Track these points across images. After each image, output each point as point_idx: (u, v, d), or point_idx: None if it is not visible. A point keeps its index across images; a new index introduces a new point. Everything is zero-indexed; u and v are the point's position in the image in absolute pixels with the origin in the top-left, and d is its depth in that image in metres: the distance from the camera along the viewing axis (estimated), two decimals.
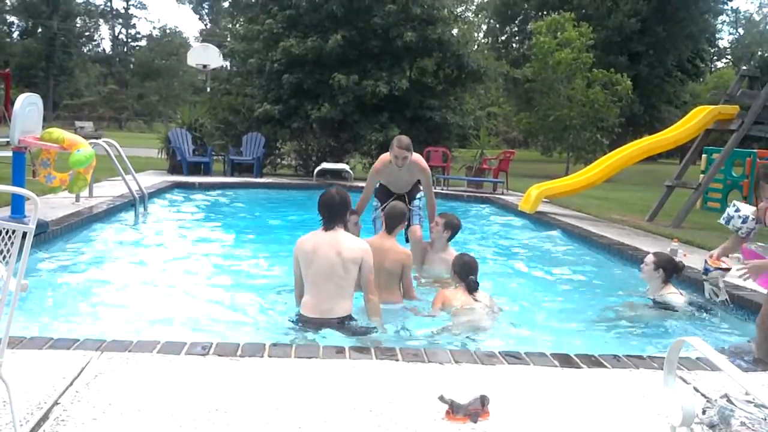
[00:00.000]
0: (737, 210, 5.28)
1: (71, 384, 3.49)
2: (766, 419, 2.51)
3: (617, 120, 27.79)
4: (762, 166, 4.75)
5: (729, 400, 2.65)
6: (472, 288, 5.59)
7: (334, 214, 5.11)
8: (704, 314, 6.29)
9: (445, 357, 4.22)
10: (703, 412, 2.67)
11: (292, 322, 5.17)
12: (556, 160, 34.35)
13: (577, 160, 27.67)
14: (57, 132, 8.53)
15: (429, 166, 18.51)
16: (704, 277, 5.71)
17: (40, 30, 69.98)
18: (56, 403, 3.26)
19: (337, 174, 18.36)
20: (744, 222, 5.08)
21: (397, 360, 4.13)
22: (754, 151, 16.79)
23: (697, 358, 4.34)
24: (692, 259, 8.25)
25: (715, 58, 71.32)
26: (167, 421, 3.12)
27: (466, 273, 5.68)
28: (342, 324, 5.03)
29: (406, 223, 6.35)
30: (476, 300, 5.55)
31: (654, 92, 40.38)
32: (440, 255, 6.93)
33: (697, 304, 6.42)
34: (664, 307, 6.28)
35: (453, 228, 6.94)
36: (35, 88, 42.92)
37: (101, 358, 3.88)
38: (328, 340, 4.79)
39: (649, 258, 6.52)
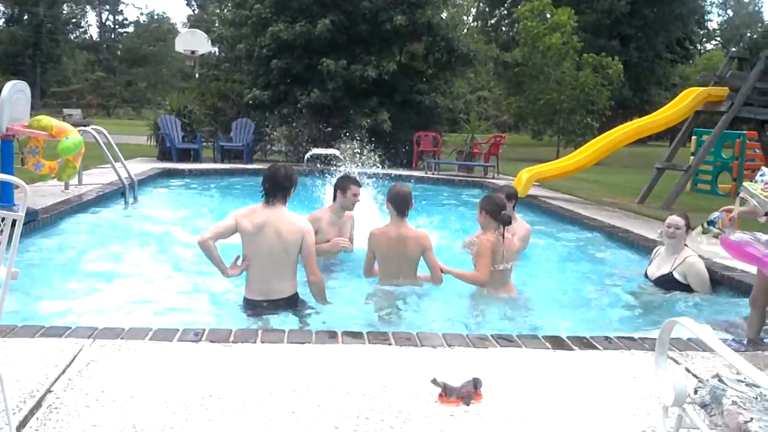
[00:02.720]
0: (762, 174, 5.11)
1: (64, 372, 3.49)
2: (757, 398, 2.52)
3: (607, 103, 27.79)
4: None
5: (720, 380, 2.65)
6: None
7: (275, 187, 5.07)
8: (699, 296, 6.34)
9: (438, 341, 4.23)
10: (695, 392, 2.68)
11: (240, 306, 5.20)
12: (546, 143, 34.34)
13: (568, 143, 27.68)
14: (45, 119, 8.48)
15: (419, 150, 18.39)
16: (706, 225, 5.56)
17: (26, 17, 69.24)
18: (49, 390, 3.26)
19: (328, 159, 18.29)
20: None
21: (390, 344, 4.14)
22: (744, 132, 16.83)
23: (689, 339, 4.36)
24: None
25: (704, 39, 71.27)
26: (160, 408, 3.12)
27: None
28: (287, 303, 5.12)
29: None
30: None
31: (643, 75, 40.33)
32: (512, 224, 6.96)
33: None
34: (686, 280, 6.29)
35: (513, 197, 7.07)
36: (22, 76, 42.63)
37: (93, 345, 3.87)
38: (276, 321, 4.92)
39: (674, 221, 6.43)
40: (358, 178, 6.69)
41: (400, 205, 5.58)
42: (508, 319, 5.36)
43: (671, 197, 12.42)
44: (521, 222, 7.33)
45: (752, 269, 5.21)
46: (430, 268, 5.64)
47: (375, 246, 5.62)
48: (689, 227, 6.33)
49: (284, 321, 4.99)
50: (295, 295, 5.23)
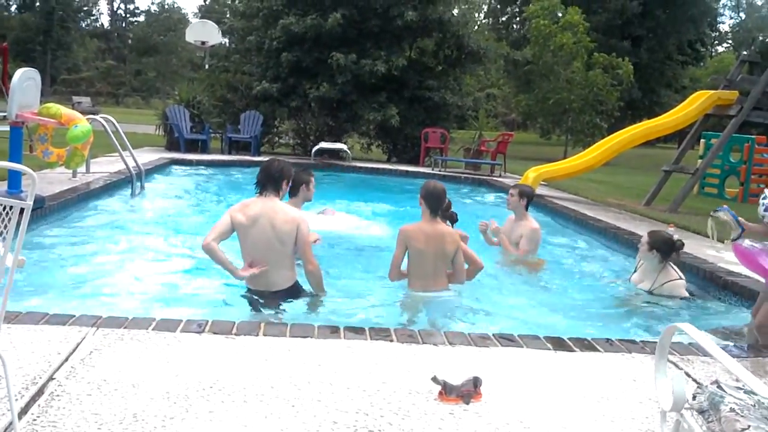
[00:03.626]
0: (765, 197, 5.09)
1: (66, 359, 3.51)
2: (755, 405, 2.52)
3: (616, 104, 27.74)
4: None
5: (719, 386, 2.66)
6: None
7: (268, 179, 5.15)
8: (698, 300, 6.33)
9: (440, 338, 4.24)
10: (694, 398, 2.69)
11: (242, 296, 5.25)
12: (554, 143, 34.33)
13: (576, 143, 27.65)
14: (55, 107, 8.51)
15: (426, 147, 18.37)
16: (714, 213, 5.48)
17: (38, 4, 69.51)
18: (51, 378, 3.28)
19: (335, 153, 18.32)
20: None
21: (392, 341, 4.15)
22: (753, 137, 16.80)
23: (690, 344, 4.36)
24: (688, 245, 8.27)
25: (716, 42, 71.12)
26: (162, 398, 3.14)
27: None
28: (287, 294, 5.16)
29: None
30: None
31: (654, 76, 40.26)
32: (520, 224, 7.31)
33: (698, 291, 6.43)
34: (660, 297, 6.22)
35: (528, 195, 7.37)
36: (33, 63, 42.77)
37: (97, 334, 3.90)
38: (275, 311, 5.02)
39: (644, 238, 6.41)
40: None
41: (433, 202, 5.45)
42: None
43: (678, 200, 12.39)
44: (528, 221, 7.33)
45: (757, 275, 5.21)
46: (459, 266, 5.55)
47: (410, 242, 5.40)
48: (658, 249, 6.23)
49: (286, 312, 5.04)
50: (296, 285, 5.28)
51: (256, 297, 5.18)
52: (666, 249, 6.27)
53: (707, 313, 6.09)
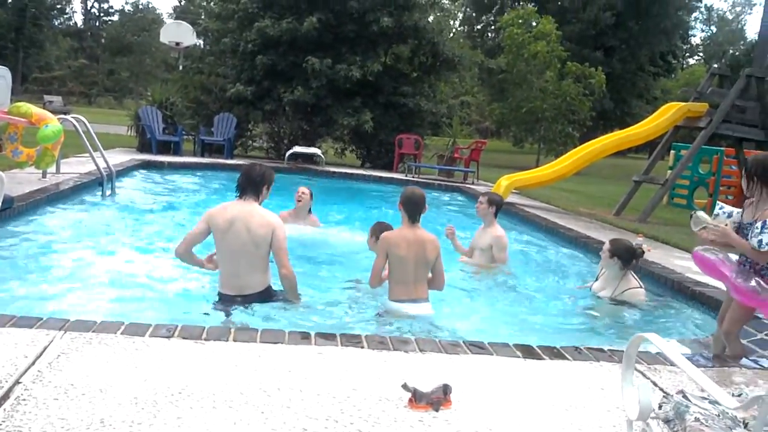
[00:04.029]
0: (721, 208, 5.16)
1: (33, 363, 3.47)
2: (719, 415, 2.57)
3: (589, 113, 28.02)
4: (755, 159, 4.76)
5: (685, 396, 2.71)
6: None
7: (249, 183, 5.21)
8: (665, 309, 6.41)
9: (410, 345, 4.25)
10: (660, 407, 2.73)
11: (213, 302, 5.27)
12: (527, 151, 34.56)
13: (548, 152, 27.88)
14: (25, 106, 8.43)
15: (400, 153, 18.46)
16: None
17: (9, 1, 68.62)
18: (17, 382, 3.24)
19: (309, 158, 18.30)
20: (729, 216, 5.01)
21: (363, 347, 4.15)
22: (722, 149, 17.04)
23: (657, 353, 4.41)
24: (656, 254, 8.38)
25: (687, 54, 72.05)
26: (129, 403, 3.11)
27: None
28: (259, 297, 5.17)
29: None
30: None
31: (625, 87, 40.75)
32: (488, 231, 7.42)
33: (659, 299, 6.51)
34: (621, 303, 6.32)
35: (497, 204, 7.47)
36: (4, 61, 42.08)
37: (64, 337, 3.85)
38: (245, 316, 5.00)
39: (605, 245, 6.54)
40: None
41: (412, 209, 5.44)
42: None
43: (647, 210, 12.54)
44: (494, 228, 7.43)
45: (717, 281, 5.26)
46: (437, 273, 5.53)
47: (390, 248, 5.35)
48: (619, 257, 6.35)
49: (256, 316, 5.04)
50: (268, 289, 5.28)
51: (227, 301, 5.16)
52: (627, 256, 6.39)
53: (674, 322, 6.16)
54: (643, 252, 6.56)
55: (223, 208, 5.23)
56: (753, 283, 4.47)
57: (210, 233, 5.17)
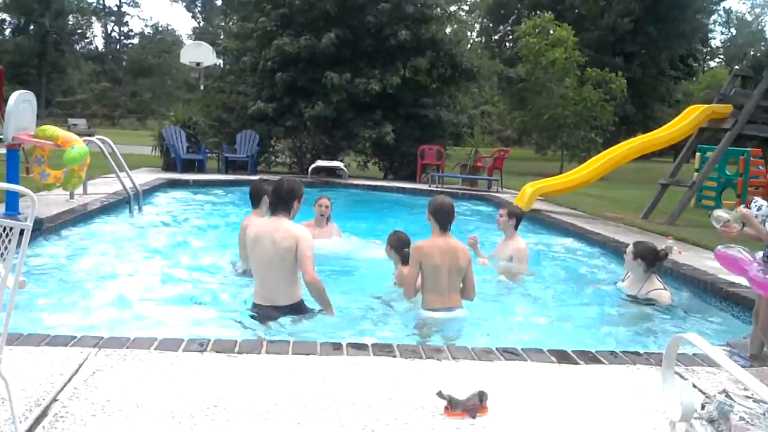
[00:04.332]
0: (755, 202, 5.14)
1: (69, 380, 3.49)
2: (765, 414, 2.52)
3: (611, 119, 27.86)
4: None
5: (728, 396, 2.66)
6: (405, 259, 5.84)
7: (279, 200, 5.30)
8: (698, 311, 6.33)
9: (443, 354, 4.23)
10: (702, 408, 2.68)
11: (249, 311, 5.36)
12: (550, 158, 34.39)
13: (572, 158, 27.72)
14: (51, 129, 8.53)
15: (423, 164, 18.53)
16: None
17: (32, 27, 69.70)
18: (55, 399, 3.26)
19: (332, 171, 18.34)
20: (759, 209, 4.99)
21: (395, 356, 4.13)
22: (748, 149, 16.85)
23: (695, 355, 4.35)
24: (687, 256, 8.29)
25: (707, 57, 71.58)
26: (166, 418, 3.11)
27: (401, 246, 6.07)
28: (291, 310, 5.23)
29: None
30: None
31: (647, 91, 40.54)
32: (509, 243, 7.43)
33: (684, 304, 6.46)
34: (647, 304, 6.30)
35: (516, 216, 7.47)
36: (28, 86, 42.72)
37: (99, 354, 3.88)
38: (279, 328, 5.07)
39: (629, 248, 6.57)
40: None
41: (442, 218, 5.45)
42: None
43: (676, 213, 12.41)
44: (516, 240, 7.44)
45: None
46: (468, 281, 5.54)
47: (424, 258, 5.34)
48: (642, 258, 6.38)
49: (287, 327, 5.07)
50: (300, 303, 5.32)
51: (260, 311, 5.22)
52: (651, 258, 6.42)
53: (709, 324, 6.08)
54: (667, 254, 6.62)
55: (251, 222, 5.45)
56: None
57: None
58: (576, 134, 27.26)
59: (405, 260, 5.86)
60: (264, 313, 5.19)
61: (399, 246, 6.12)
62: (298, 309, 5.27)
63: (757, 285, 4.56)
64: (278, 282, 5.21)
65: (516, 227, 7.48)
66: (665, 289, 6.40)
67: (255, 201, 6.56)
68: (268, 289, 5.22)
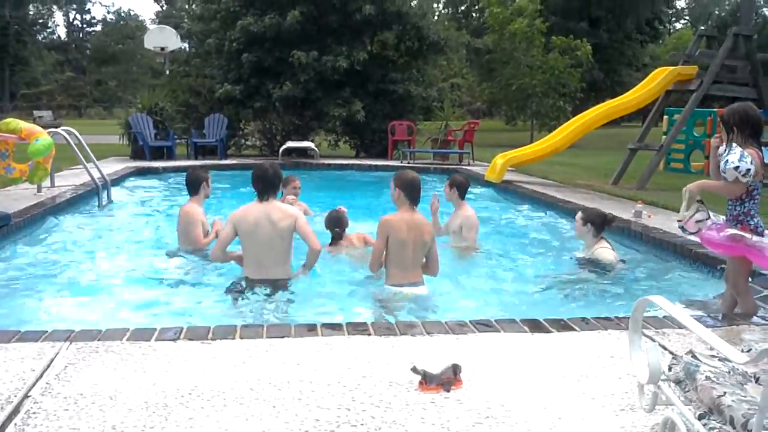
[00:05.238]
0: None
1: (41, 376, 3.46)
2: (730, 372, 2.56)
3: (578, 85, 27.94)
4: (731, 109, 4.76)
5: (694, 356, 2.69)
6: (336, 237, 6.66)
7: (267, 185, 5.58)
8: (669, 273, 6.41)
9: (417, 329, 4.25)
10: (669, 369, 2.72)
11: (240, 284, 5.59)
12: (520, 128, 34.50)
13: (541, 127, 27.81)
14: (14, 122, 8.40)
15: (393, 140, 18.47)
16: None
17: None
18: (27, 395, 3.23)
19: (303, 152, 18.27)
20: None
21: (370, 334, 4.14)
22: (715, 110, 17.00)
23: (665, 317, 4.41)
24: (657, 220, 8.38)
25: (673, 19, 71.77)
26: (140, 408, 3.10)
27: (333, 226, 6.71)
28: (285, 282, 5.57)
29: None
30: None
31: (614, 56, 40.64)
32: (458, 213, 7.39)
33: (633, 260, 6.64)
34: (595, 264, 6.48)
35: (458, 184, 7.42)
36: None
37: (70, 348, 3.85)
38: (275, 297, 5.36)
39: (578, 215, 6.79)
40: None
41: (412, 192, 5.44)
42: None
43: (644, 177, 12.52)
44: (464, 209, 7.40)
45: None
46: (432, 257, 5.58)
47: (391, 231, 5.33)
48: (591, 223, 6.63)
49: (272, 307, 5.22)
50: (286, 280, 5.61)
51: (251, 284, 5.51)
52: (599, 222, 6.65)
53: (679, 286, 6.16)
54: (614, 218, 6.94)
55: (245, 211, 5.58)
56: (729, 232, 4.50)
57: (236, 235, 5.56)
58: (545, 103, 27.31)
59: (334, 238, 6.66)
60: (256, 285, 5.48)
61: (330, 225, 6.76)
62: (283, 285, 5.55)
63: (712, 245, 4.68)
64: (277, 260, 5.53)
65: (462, 196, 7.40)
66: (611, 249, 6.62)
67: (193, 188, 6.90)
68: (266, 267, 5.53)
